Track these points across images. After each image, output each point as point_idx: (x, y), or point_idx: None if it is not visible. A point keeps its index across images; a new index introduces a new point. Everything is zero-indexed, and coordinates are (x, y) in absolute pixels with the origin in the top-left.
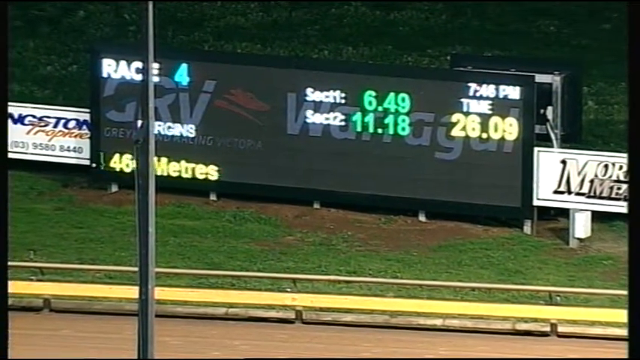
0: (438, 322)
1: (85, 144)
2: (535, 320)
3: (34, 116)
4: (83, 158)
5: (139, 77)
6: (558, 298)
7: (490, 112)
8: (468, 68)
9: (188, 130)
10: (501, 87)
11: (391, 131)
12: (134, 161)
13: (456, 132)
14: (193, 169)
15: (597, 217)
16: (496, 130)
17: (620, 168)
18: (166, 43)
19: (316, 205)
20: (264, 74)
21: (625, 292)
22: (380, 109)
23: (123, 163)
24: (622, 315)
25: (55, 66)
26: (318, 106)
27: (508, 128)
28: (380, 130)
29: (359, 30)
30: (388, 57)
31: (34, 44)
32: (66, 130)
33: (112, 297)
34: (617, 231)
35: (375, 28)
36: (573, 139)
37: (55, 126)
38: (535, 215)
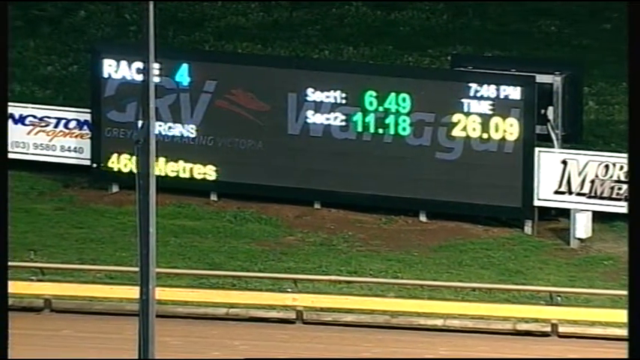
0: (439, 322)
1: (86, 144)
2: (536, 320)
3: (34, 116)
4: (84, 158)
5: (139, 77)
6: (559, 298)
7: (491, 112)
8: (469, 68)
9: (189, 131)
10: (502, 87)
11: (392, 131)
12: (135, 161)
13: (456, 132)
14: (191, 169)
15: (598, 217)
16: (497, 130)
17: (621, 168)
18: (167, 43)
19: (317, 206)
20: (265, 74)
21: (625, 293)
22: (381, 109)
23: (123, 163)
24: (622, 315)
25: (55, 66)
26: (318, 106)
27: (509, 128)
28: (381, 130)
29: (360, 30)
30: (389, 57)
31: (35, 44)
32: (67, 131)
33: (113, 297)
34: (617, 231)
35: (375, 28)
36: (574, 139)
37: (56, 126)
38: (536, 215)
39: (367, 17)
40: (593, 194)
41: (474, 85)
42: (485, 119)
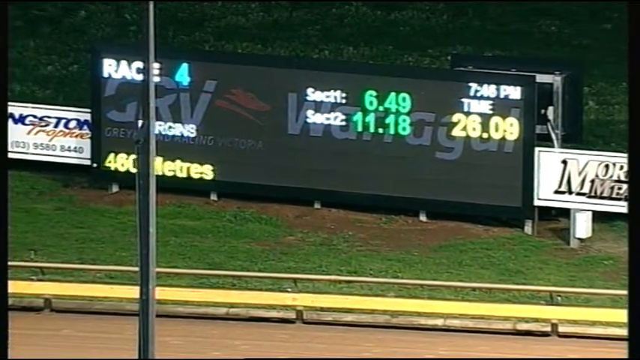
0: (439, 322)
1: (86, 144)
2: (536, 320)
3: (34, 116)
4: (84, 158)
5: (139, 77)
6: (559, 298)
7: (491, 112)
8: (469, 68)
9: (189, 130)
10: (502, 87)
11: (392, 131)
12: (135, 161)
13: (456, 132)
14: (189, 169)
15: (598, 217)
16: (497, 130)
17: (621, 168)
18: (167, 43)
19: (317, 205)
20: (265, 74)
21: (625, 293)
22: (381, 109)
23: (123, 163)
24: (622, 315)
25: (55, 66)
26: (318, 106)
27: (509, 128)
28: (381, 130)
29: (360, 30)
30: (389, 57)
31: (35, 44)
32: (67, 130)
33: (113, 297)
34: (617, 231)
35: (375, 28)
36: (574, 139)
37: (56, 126)
38: (536, 215)
39: (367, 17)
40: (593, 194)
41: (474, 85)
42: (485, 119)
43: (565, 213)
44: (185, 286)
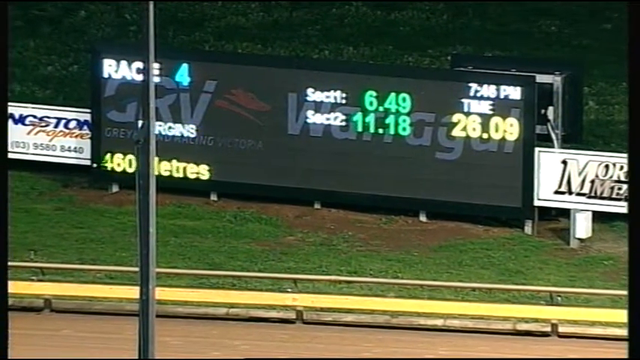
0: (439, 322)
1: (86, 144)
2: (536, 320)
3: (34, 116)
4: (84, 158)
5: (139, 77)
6: (559, 298)
7: (491, 112)
8: (469, 68)
9: (189, 130)
10: (502, 87)
11: (392, 131)
12: (135, 161)
13: (456, 132)
14: (187, 169)
15: (598, 217)
16: (497, 130)
17: (621, 168)
18: (167, 43)
19: (317, 206)
20: (265, 74)
21: (625, 293)
22: (381, 109)
23: (124, 163)
24: (622, 315)
25: (55, 66)
26: (318, 106)
27: (509, 128)
28: (381, 131)
29: (360, 30)
30: (389, 57)
31: (35, 44)
32: (67, 131)
33: (113, 297)
34: (617, 231)
35: (375, 28)
36: (574, 139)
37: (56, 126)
38: (536, 215)
39: (367, 17)
40: (593, 194)
41: (474, 85)
42: (485, 119)
43: (565, 213)
44: (185, 286)
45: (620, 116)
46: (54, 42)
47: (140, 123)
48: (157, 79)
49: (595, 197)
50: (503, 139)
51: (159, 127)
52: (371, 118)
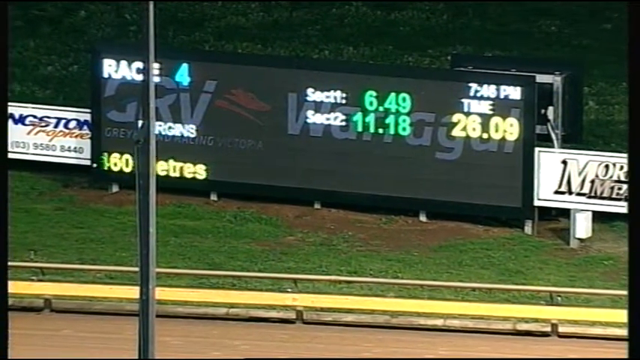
0: (439, 322)
1: (86, 144)
2: (536, 320)
3: (34, 116)
4: (84, 158)
5: (139, 77)
6: (559, 298)
7: (491, 112)
8: (469, 68)
9: (189, 130)
10: (502, 87)
11: (392, 131)
12: (134, 161)
13: (456, 132)
14: (186, 168)
15: (598, 217)
16: (497, 130)
17: (621, 168)
18: (167, 43)
19: (317, 206)
20: (265, 74)
21: (625, 293)
22: (381, 109)
23: (124, 163)
24: (622, 315)
25: (55, 66)
26: (318, 106)
27: (509, 128)
28: (381, 130)
29: (360, 30)
30: (389, 57)
31: (35, 44)
32: (67, 131)
33: (113, 297)
34: (617, 231)
35: (375, 28)
36: (574, 139)
37: (56, 126)
38: (536, 215)
39: (367, 17)
40: (593, 194)
41: (474, 85)
42: (485, 119)
43: (565, 213)
44: (185, 286)
45: (620, 116)
46: (54, 42)
47: (140, 123)
48: (157, 79)
49: (595, 197)
50: (503, 139)
51: (159, 127)
52: (371, 118)
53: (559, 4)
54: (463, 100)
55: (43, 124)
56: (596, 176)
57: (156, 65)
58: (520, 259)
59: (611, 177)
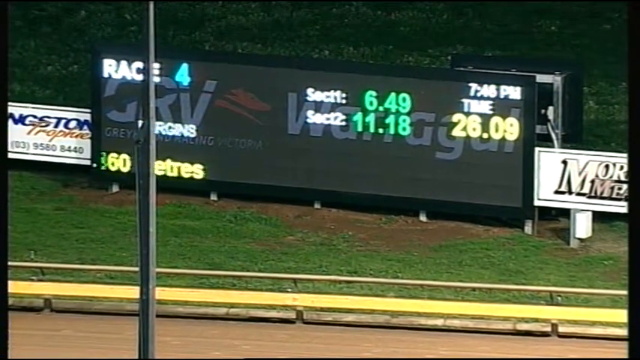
0: (439, 322)
1: (86, 144)
2: (536, 320)
3: (34, 116)
4: (84, 158)
5: (139, 77)
6: (559, 298)
7: (491, 112)
8: (469, 68)
9: (189, 130)
10: (502, 87)
11: (392, 131)
12: (135, 161)
13: (456, 132)
14: (184, 169)
15: (598, 217)
16: (497, 130)
17: (621, 168)
18: (167, 43)
19: (317, 205)
20: (265, 74)
21: (625, 293)
22: (381, 109)
23: (123, 163)
24: (622, 315)
25: (55, 66)
26: (318, 106)
27: (509, 128)
28: (381, 130)
29: (360, 30)
30: (389, 57)
31: (35, 44)
32: (67, 130)
33: (113, 297)
34: (617, 231)
35: (376, 28)
36: (574, 139)
37: (56, 126)
38: (536, 215)
39: (367, 17)
40: (593, 194)
41: (474, 85)
42: (485, 119)
43: (565, 213)
44: (185, 286)
45: (620, 116)
46: (54, 42)
47: (140, 123)
48: (157, 79)
49: (595, 197)
50: (503, 138)
51: (159, 127)
52: (371, 118)
53: (559, 4)
54: (463, 100)
55: (43, 124)
56: (596, 176)
57: (156, 65)
58: (520, 259)
59: (611, 177)
